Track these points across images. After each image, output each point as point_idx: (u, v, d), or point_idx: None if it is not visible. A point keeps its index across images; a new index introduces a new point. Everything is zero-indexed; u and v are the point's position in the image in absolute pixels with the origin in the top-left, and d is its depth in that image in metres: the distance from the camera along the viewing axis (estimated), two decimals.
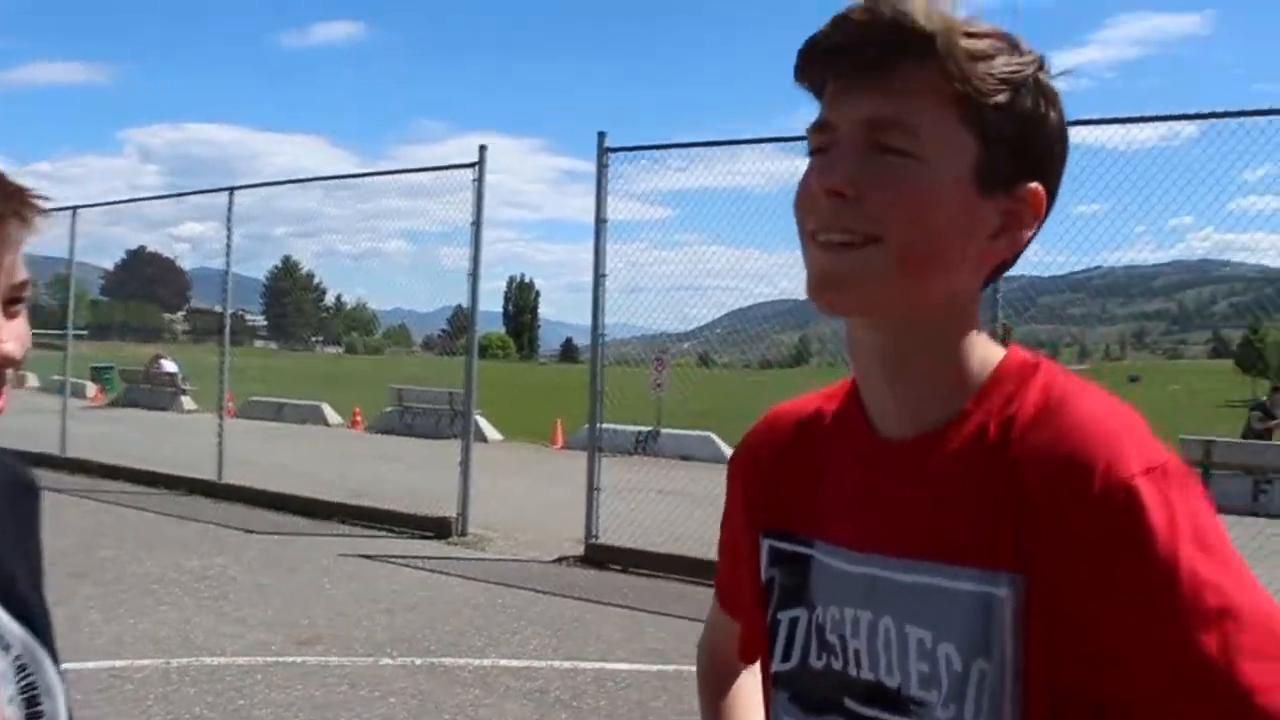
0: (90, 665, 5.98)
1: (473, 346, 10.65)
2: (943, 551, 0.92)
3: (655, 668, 6.29)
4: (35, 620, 1.09)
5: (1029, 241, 0.98)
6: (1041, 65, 0.95)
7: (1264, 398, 18.07)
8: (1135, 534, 0.83)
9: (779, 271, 11.17)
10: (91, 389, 30.01)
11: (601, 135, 9.61)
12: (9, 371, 0.97)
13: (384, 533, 10.47)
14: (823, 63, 0.95)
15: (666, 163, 10.23)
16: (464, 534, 10.29)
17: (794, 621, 1.06)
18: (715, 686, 1.37)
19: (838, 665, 1.01)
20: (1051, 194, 0.97)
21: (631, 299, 10.53)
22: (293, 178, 16.19)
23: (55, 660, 1.10)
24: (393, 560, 9.15)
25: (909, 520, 0.96)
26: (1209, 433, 16.31)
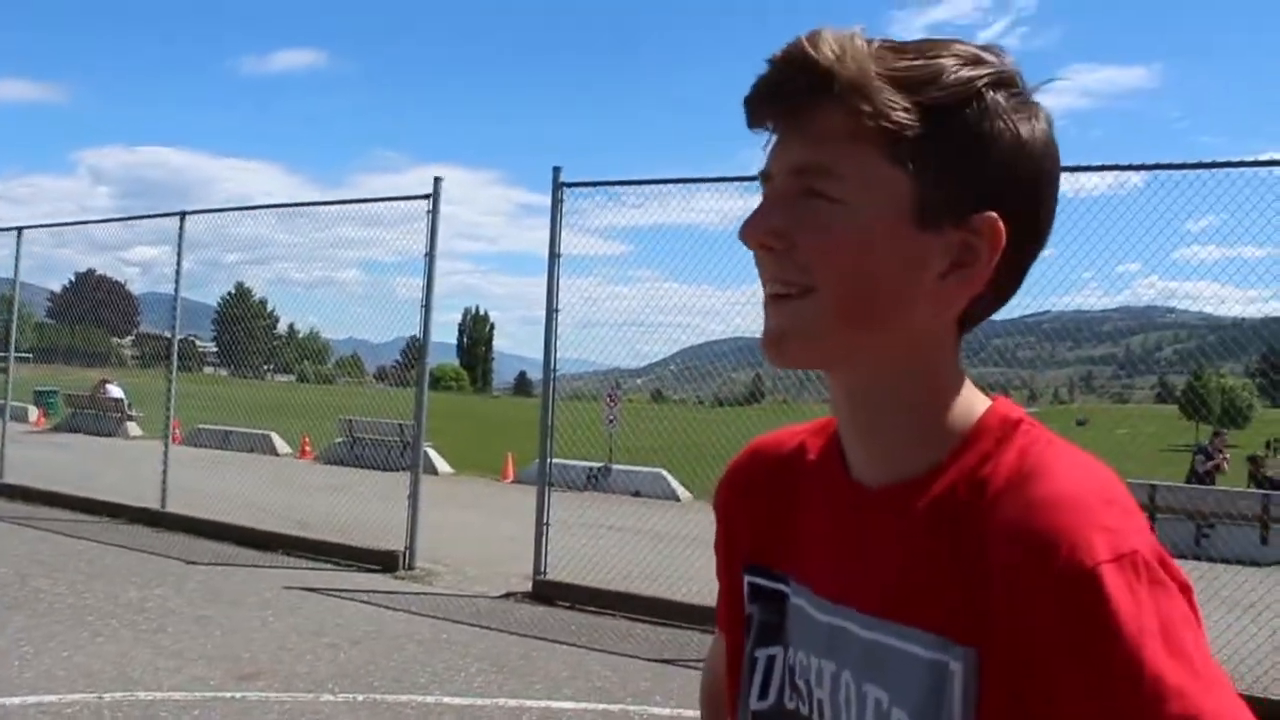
0: (17, 700, 5.82)
1: (423, 378, 10.57)
2: (902, 612, 0.89)
3: (601, 706, 6.23)
4: None
5: (1007, 271, 0.91)
6: (1002, 80, 0.89)
7: (1206, 442, 18.36)
8: (1095, 627, 0.76)
9: (733, 309, 11.19)
10: (34, 413, 29.50)
11: (556, 170, 9.62)
12: None
13: (330, 565, 10.32)
14: (755, 110, 0.91)
15: (623, 199, 10.28)
16: (411, 568, 10.16)
17: (771, 660, 1.04)
18: (713, 707, 1.32)
19: (805, 711, 0.99)
20: (1026, 220, 0.90)
21: (586, 333, 10.56)
22: (247, 204, 16.08)
23: None
24: (338, 594, 9.01)
25: (874, 574, 0.92)
26: (1153, 477, 16.53)
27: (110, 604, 8.18)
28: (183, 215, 12.83)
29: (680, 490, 17.74)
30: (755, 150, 0.96)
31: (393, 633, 7.77)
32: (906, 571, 0.90)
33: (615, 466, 18.31)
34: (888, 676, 0.89)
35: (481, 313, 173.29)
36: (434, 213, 10.33)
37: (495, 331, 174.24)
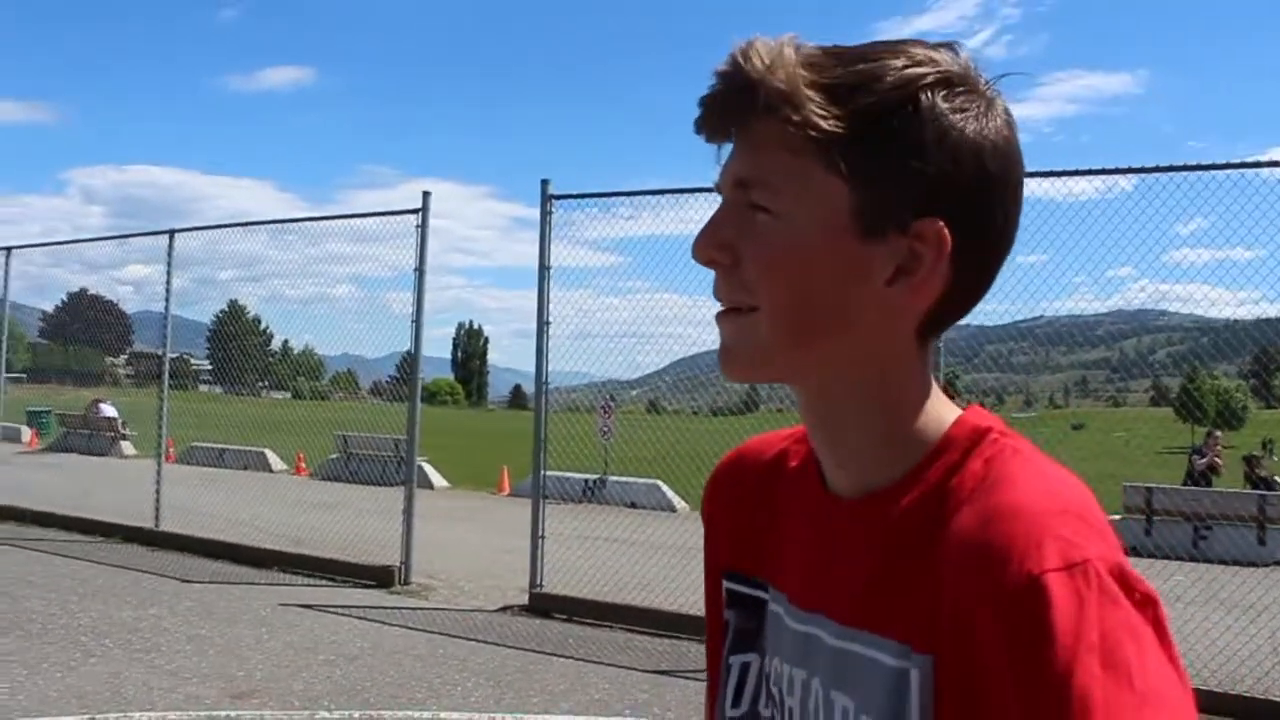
0: None
1: (416, 392, 10.54)
2: (870, 621, 0.88)
3: (600, 718, 6.19)
4: None
5: (965, 274, 0.87)
6: (947, 79, 0.85)
7: (1201, 443, 18.38)
8: (1034, 636, 0.74)
9: None
10: (27, 433, 29.42)
11: (545, 183, 9.61)
12: None
13: (325, 582, 10.27)
14: (701, 125, 0.90)
15: (615, 210, 10.28)
16: (407, 583, 10.13)
17: (745, 667, 1.04)
18: None
19: (778, 718, 0.98)
20: (975, 223, 0.86)
21: (580, 345, 10.51)
22: (237, 221, 16.05)
23: None
24: (333, 610, 8.97)
25: (844, 583, 0.91)
26: (1150, 479, 16.53)
27: (104, 624, 8.13)
28: (172, 234, 12.82)
29: (677, 501, 17.69)
30: None
31: (389, 648, 7.73)
32: (874, 581, 0.89)
33: (611, 478, 18.26)
34: (855, 684, 0.88)
35: (475, 327, 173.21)
36: (423, 227, 10.32)
37: (489, 345, 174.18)
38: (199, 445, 23.52)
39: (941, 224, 0.84)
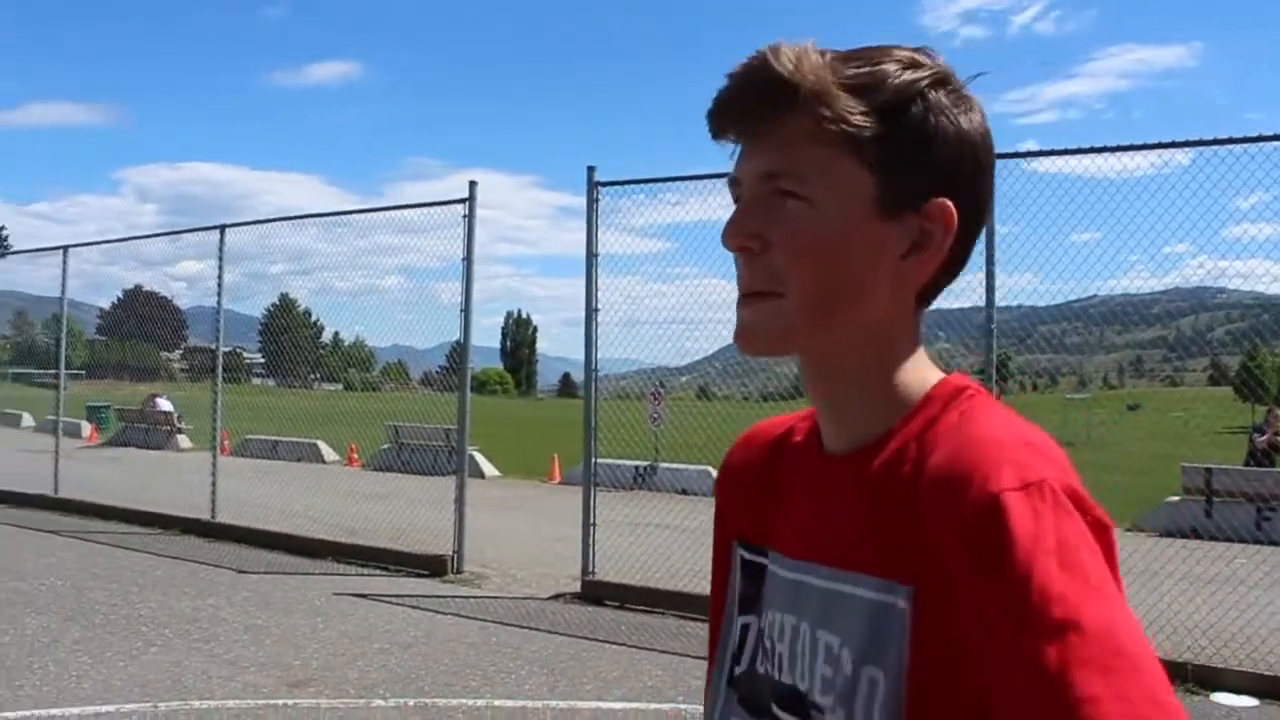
0: (76, 710, 5.89)
1: (465, 382, 10.58)
2: (855, 561, 0.97)
3: (653, 706, 6.19)
4: None
5: (957, 248, 1.00)
6: (940, 79, 0.98)
7: (1261, 421, 18.02)
8: (997, 546, 0.83)
9: None
10: (87, 428, 29.92)
11: (591, 170, 9.59)
12: None
13: (379, 571, 10.36)
14: (721, 121, 1.00)
15: (662, 196, 10.21)
16: (459, 572, 10.19)
17: (746, 628, 1.12)
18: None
19: (770, 670, 1.06)
20: (971, 202, 0.99)
21: (629, 332, 10.48)
22: (287, 215, 16.18)
23: None
24: (387, 599, 9.04)
25: (835, 531, 1.01)
26: (1210, 460, 16.20)
27: (164, 614, 8.25)
28: (223, 229, 12.95)
29: None
30: None
31: (443, 636, 7.78)
32: (863, 526, 0.98)
33: (662, 465, 18.26)
34: (839, 622, 0.97)
35: (523, 316, 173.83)
36: (470, 217, 10.35)
37: (538, 334, 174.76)
38: (253, 438, 23.80)
39: (950, 203, 0.97)
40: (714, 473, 19.36)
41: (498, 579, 10.09)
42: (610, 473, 10.52)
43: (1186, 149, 7.56)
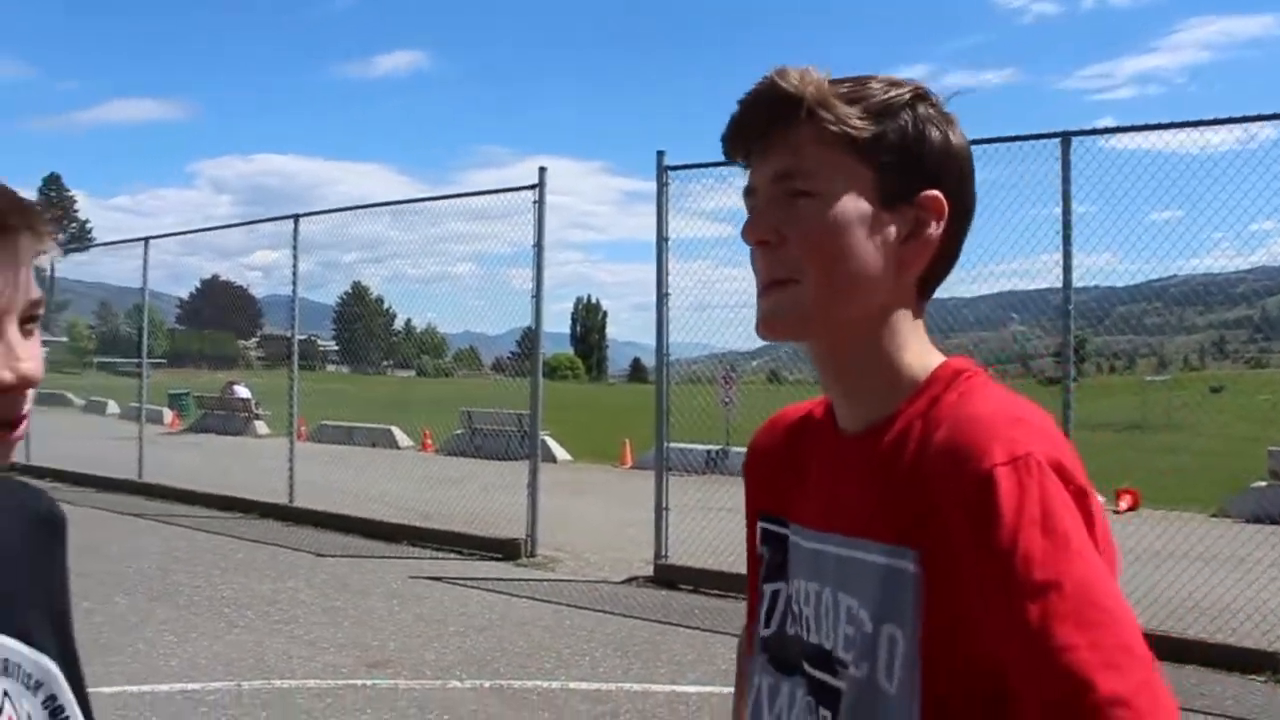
0: (164, 688, 6.04)
1: (538, 367, 10.64)
2: (868, 530, 1.08)
3: (727, 689, 6.17)
4: (60, 657, 1.06)
5: (951, 243, 1.14)
6: (920, 95, 1.14)
7: None
8: (987, 515, 0.95)
9: None
10: (168, 415, 30.62)
11: (660, 154, 9.58)
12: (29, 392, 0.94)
13: (453, 555, 10.48)
14: (737, 139, 1.16)
15: (731, 180, 10.14)
16: (533, 555, 10.26)
17: (775, 594, 1.25)
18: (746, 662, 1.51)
19: (799, 632, 1.18)
20: (958, 199, 1.14)
21: (699, 317, 10.46)
22: (359, 204, 16.37)
23: (83, 699, 1.07)
24: (462, 582, 9.14)
25: (850, 503, 1.13)
26: None
27: (245, 595, 8.43)
28: (296, 218, 13.14)
29: None
30: None
31: (517, 619, 7.85)
32: (872, 498, 1.09)
33: (733, 449, 18.20)
34: (855, 584, 1.09)
35: (593, 301, 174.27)
36: (540, 203, 10.38)
37: (608, 319, 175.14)
38: (329, 424, 24.17)
39: (940, 194, 1.12)
40: None
41: (571, 563, 10.15)
42: (682, 457, 10.52)
43: (1274, 122, 7.35)
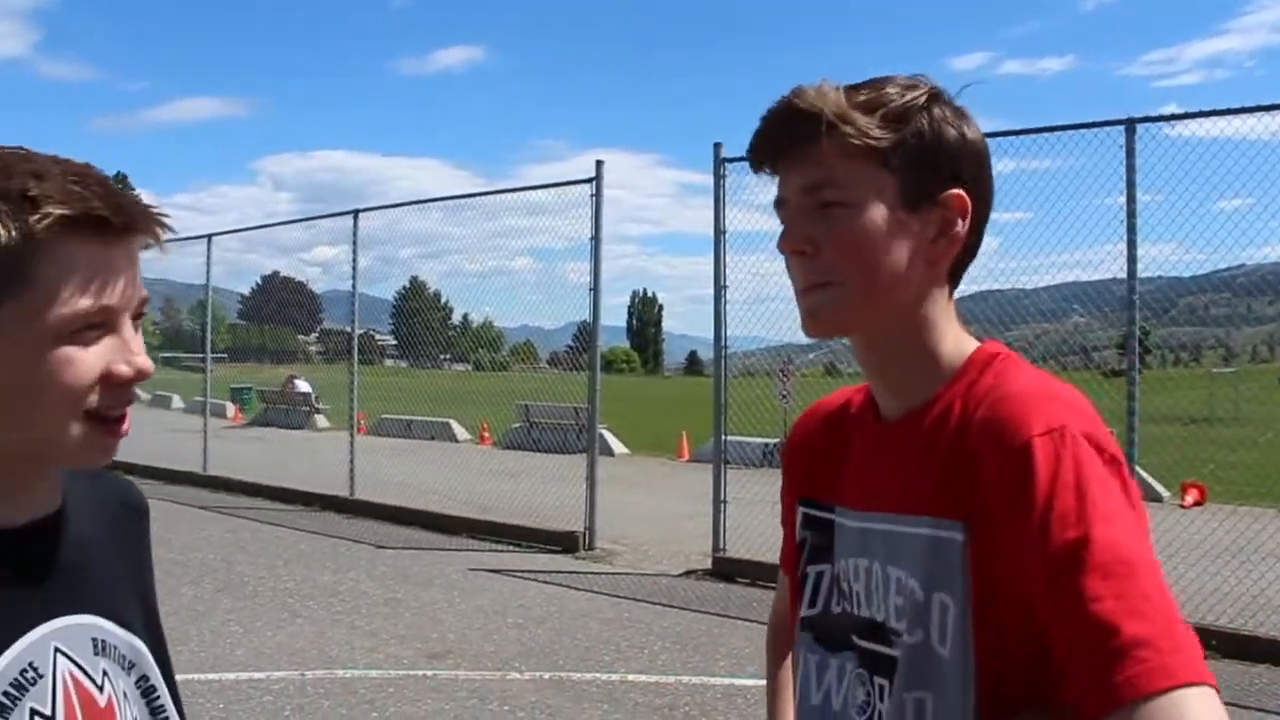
0: (230, 676, 6.13)
1: (595, 361, 10.65)
2: (914, 505, 1.16)
3: None
4: (149, 639, 1.10)
5: (973, 234, 1.21)
6: (935, 95, 1.19)
7: None
8: (1025, 481, 1.03)
9: None
10: (231, 409, 31.06)
11: (718, 146, 9.54)
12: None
13: (512, 547, 10.54)
14: (763, 154, 1.21)
15: None
16: (591, 548, 10.29)
17: (819, 575, 1.32)
18: (777, 645, 1.59)
19: (848, 608, 1.25)
20: (979, 193, 1.20)
21: (756, 310, 10.40)
22: (417, 199, 16.48)
23: (170, 679, 1.11)
24: (521, 575, 9.19)
25: (894, 483, 1.20)
26: None
27: (307, 586, 8.54)
28: (356, 214, 13.26)
29: None
30: None
31: (575, 612, 7.88)
32: (915, 475, 1.17)
33: None
34: (904, 557, 1.16)
35: (649, 294, 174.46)
36: (597, 196, 10.38)
37: (664, 312, 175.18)
38: (388, 417, 24.37)
39: (962, 193, 1.18)
40: None
41: (629, 555, 10.17)
42: (739, 450, 10.47)
43: None
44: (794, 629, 1.36)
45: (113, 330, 0.95)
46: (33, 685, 0.92)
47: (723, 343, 9.57)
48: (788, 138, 1.18)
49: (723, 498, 9.39)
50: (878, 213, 1.16)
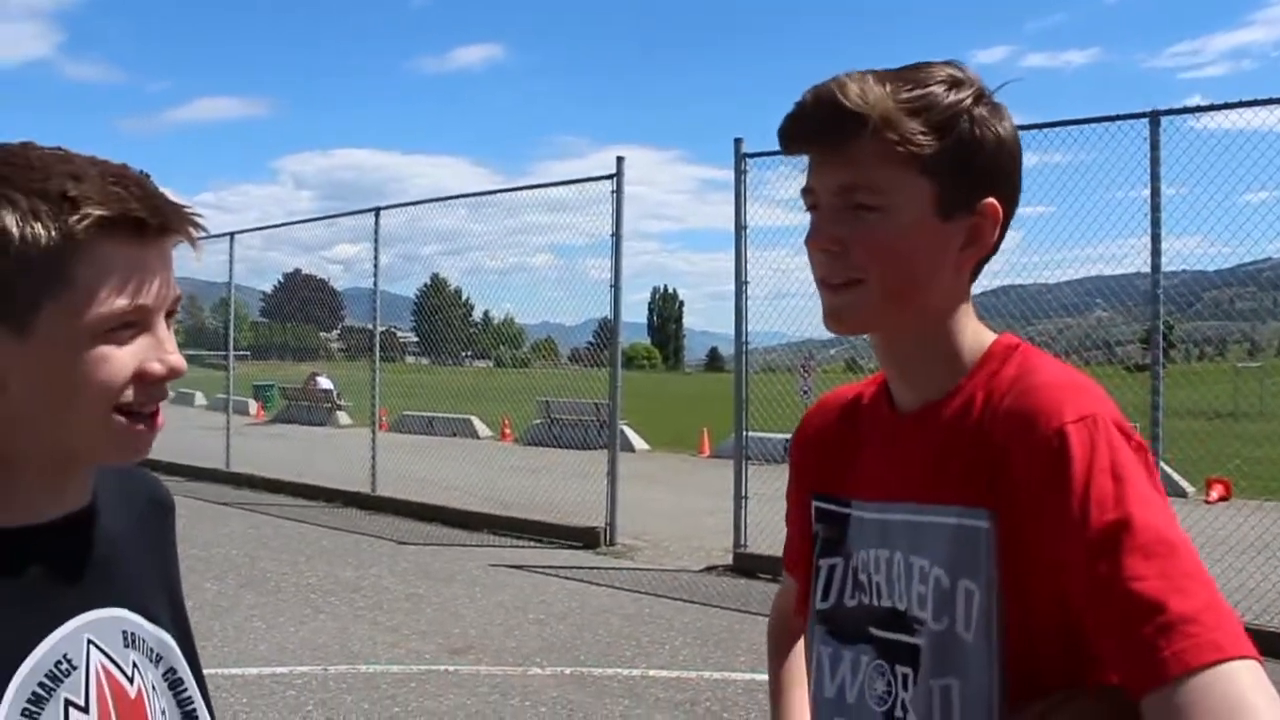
0: (254, 671, 6.17)
1: (616, 357, 10.66)
2: (935, 495, 1.17)
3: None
4: (176, 632, 1.12)
5: (999, 239, 1.20)
6: (979, 95, 1.17)
7: None
8: (1062, 465, 1.04)
9: None
10: (254, 406, 31.22)
11: (738, 141, 9.52)
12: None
13: (533, 543, 10.56)
14: (796, 143, 1.19)
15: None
16: (612, 544, 10.30)
17: (832, 568, 1.32)
18: (778, 644, 1.63)
19: (866, 600, 1.25)
20: (1010, 195, 1.20)
21: (777, 305, 10.40)
22: (437, 196, 16.48)
23: (198, 673, 1.13)
24: (542, 570, 9.20)
25: (913, 474, 1.21)
26: None
27: (329, 582, 8.58)
28: (377, 211, 13.30)
29: None
30: None
31: (597, 607, 7.89)
32: (937, 465, 1.18)
33: None
34: (927, 546, 1.17)
35: (670, 291, 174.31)
36: (618, 192, 10.38)
37: (684, 309, 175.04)
38: (409, 414, 24.43)
39: (995, 202, 1.18)
40: None
41: (650, 551, 10.17)
42: (760, 446, 10.45)
43: None
44: (805, 624, 1.38)
45: (147, 329, 0.96)
46: (67, 676, 0.94)
47: (743, 338, 9.56)
48: (826, 131, 1.15)
49: (744, 493, 9.39)
50: (911, 220, 1.15)
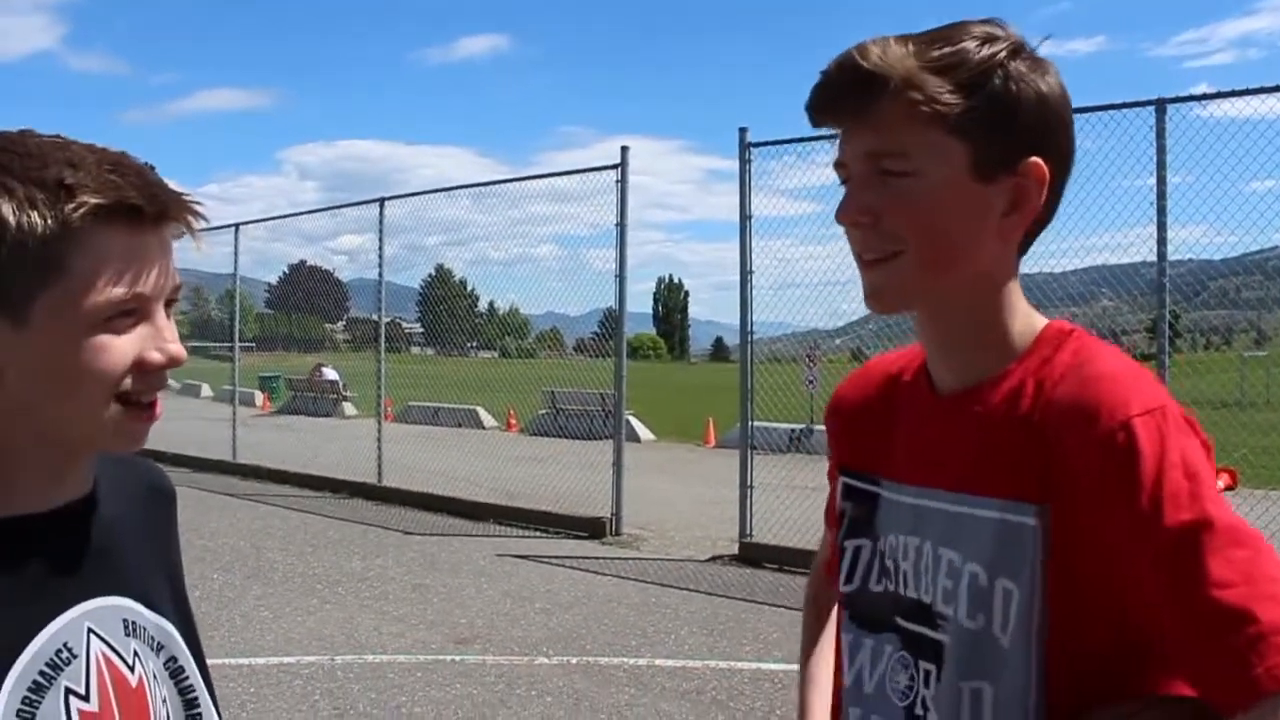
0: (261, 661, 6.19)
1: (621, 347, 10.65)
2: (978, 485, 1.10)
3: None
4: (178, 621, 1.12)
5: (1048, 205, 1.12)
6: (1016, 49, 1.09)
7: None
8: (1130, 461, 0.98)
9: None
10: (259, 397, 31.25)
11: (743, 131, 9.50)
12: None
13: (539, 533, 10.57)
14: (821, 114, 1.13)
15: (813, 157, 10.03)
16: (618, 534, 10.31)
17: (858, 550, 1.26)
18: (817, 604, 1.53)
19: (892, 587, 1.20)
20: (1059, 157, 1.11)
21: (782, 295, 10.37)
22: (442, 187, 16.50)
23: (201, 661, 1.13)
24: (548, 560, 9.22)
25: (954, 459, 1.14)
26: None
27: (336, 573, 8.60)
28: (382, 202, 13.29)
29: None
30: None
31: (603, 597, 7.90)
32: (980, 454, 1.11)
33: (817, 427, 18.08)
34: (963, 540, 1.11)
35: (675, 281, 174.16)
36: (623, 182, 10.36)
37: (689, 299, 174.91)
38: (415, 405, 24.44)
39: (1040, 161, 1.09)
40: None
41: (655, 541, 10.18)
42: (765, 436, 10.47)
43: None
44: (828, 583, 1.34)
45: (146, 317, 0.96)
46: (67, 665, 0.94)
47: (748, 328, 9.56)
48: (848, 97, 1.09)
49: (749, 483, 9.39)
50: (942, 182, 1.08)
